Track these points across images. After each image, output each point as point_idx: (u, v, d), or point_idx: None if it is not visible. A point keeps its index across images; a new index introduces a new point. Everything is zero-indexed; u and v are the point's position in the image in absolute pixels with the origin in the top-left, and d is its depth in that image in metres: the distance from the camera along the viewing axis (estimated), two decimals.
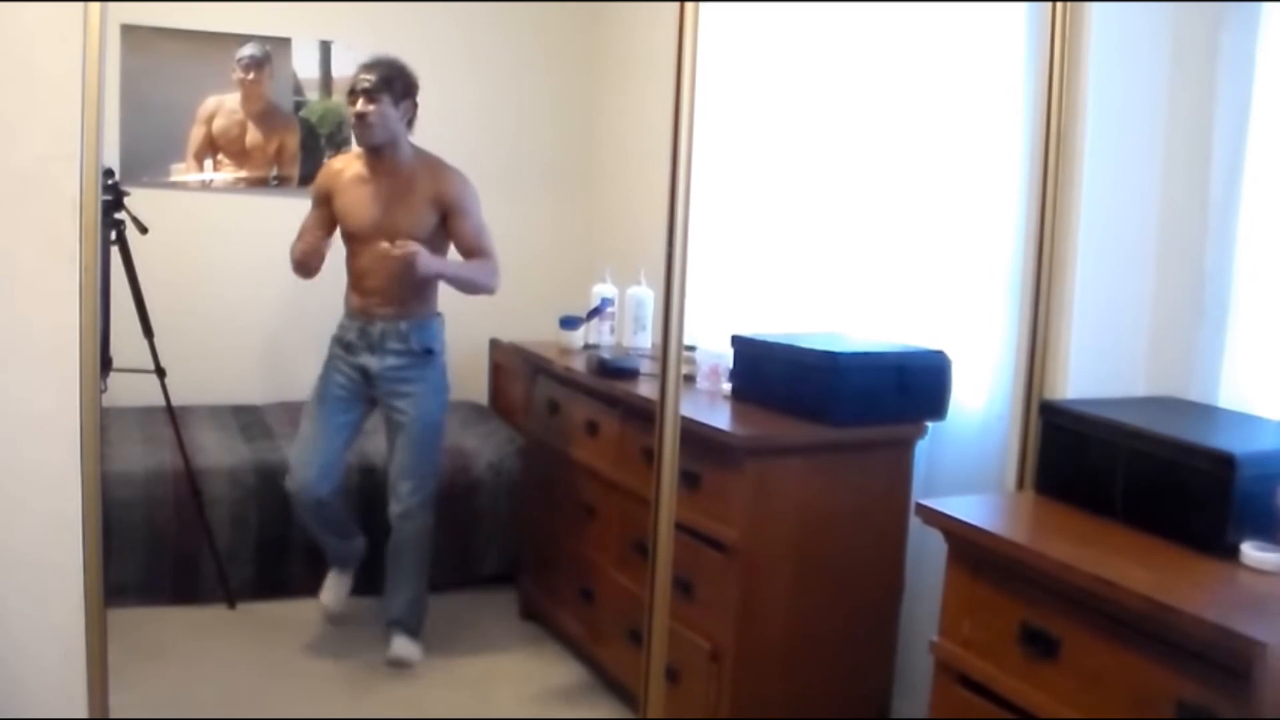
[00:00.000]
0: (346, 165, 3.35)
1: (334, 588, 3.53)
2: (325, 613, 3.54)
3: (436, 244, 3.27)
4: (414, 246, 3.11)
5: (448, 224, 3.28)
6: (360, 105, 3.17)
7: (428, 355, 3.32)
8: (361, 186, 3.28)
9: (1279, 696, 1.43)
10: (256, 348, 4.51)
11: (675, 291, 2.19)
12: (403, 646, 3.34)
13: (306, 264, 3.26)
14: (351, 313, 3.35)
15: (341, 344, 3.36)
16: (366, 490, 3.75)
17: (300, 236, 3.32)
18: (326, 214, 3.34)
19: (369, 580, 3.79)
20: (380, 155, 3.24)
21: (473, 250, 3.29)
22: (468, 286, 3.29)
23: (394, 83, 3.19)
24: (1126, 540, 1.86)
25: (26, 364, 2.09)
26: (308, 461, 3.30)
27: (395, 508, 3.33)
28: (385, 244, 3.13)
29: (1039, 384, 2.43)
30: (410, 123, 3.27)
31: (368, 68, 3.22)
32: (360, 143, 3.27)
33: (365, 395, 3.36)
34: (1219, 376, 2.25)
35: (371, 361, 3.30)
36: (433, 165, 3.29)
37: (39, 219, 2.05)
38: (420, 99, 3.28)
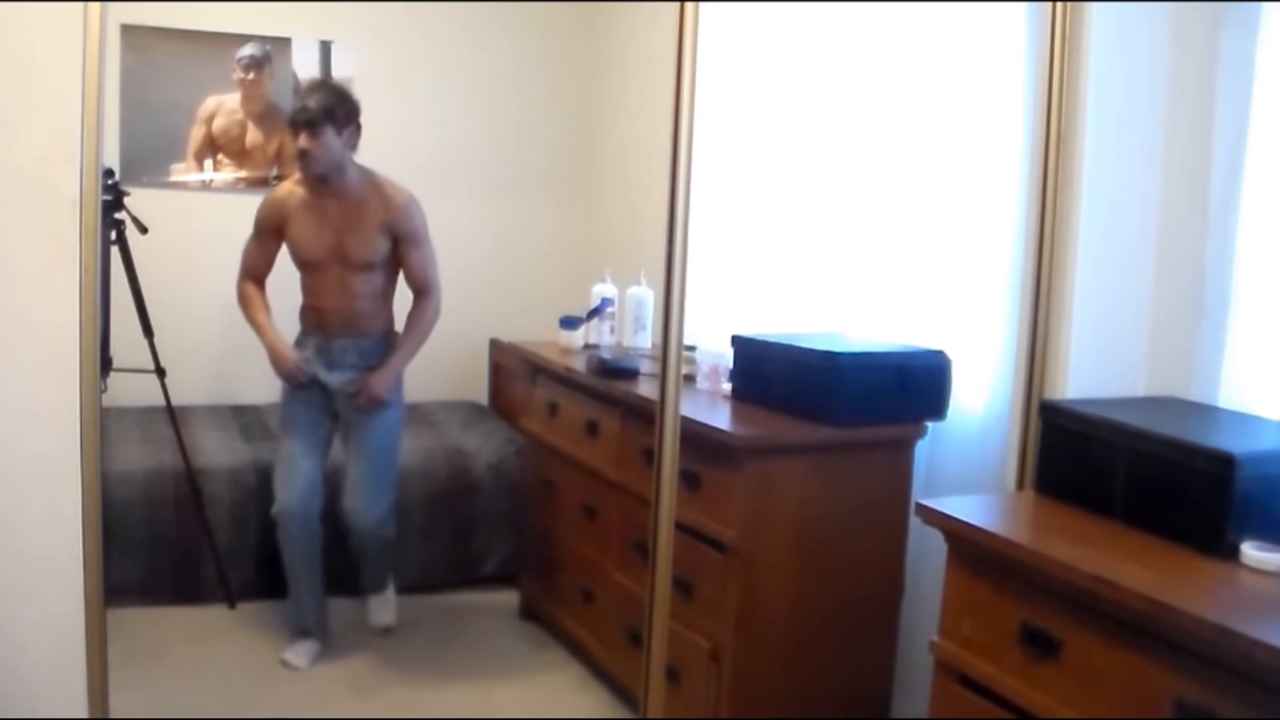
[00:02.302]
0: (291, 193, 3.31)
1: (305, 652, 3.37)
2: (290, 667, 3.32)
3: (388, 268, 3.31)
4: (372, 391, 3.25)
5: (399, 251, 3.29)
6: (303, 140, 3.12)
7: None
8: (312, 214, 3.25)
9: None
10: (256, 348, 4.48)
11: (675, 291, 2.19)
12: (379, 610, 3.54)
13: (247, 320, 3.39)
14: (308, 329, 3.37)
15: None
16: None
17: (246, 274, 3.37)
18: (274, 246, 3.34)
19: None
20: (326, 181, 3.22)
21: (420, 282, 3.33)
22: (420, 346, 3.38)
23: (335, 111, 3.14)
24: (1126, 540, 1.86)
25: (27, 363, 2.09)
26: (294, 482, 3.31)
27: (351, 522, 3.33)
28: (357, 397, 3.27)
29: (1039, 384, 2.43)
30: (354, 145, 3.23)
31: (307, 95, 3.18)
32: (306, 175, 3.23)
33: (330, 410, 3.37)
34: (1219, 376, 2.25)
35: (330, 377, 3.32)
36: (381, 189, 3.26)
37: (39, 219, 2.05)
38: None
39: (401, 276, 3.38)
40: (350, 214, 3.24)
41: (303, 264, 3.31)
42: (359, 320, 3.30)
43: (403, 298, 3.42)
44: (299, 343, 3.37)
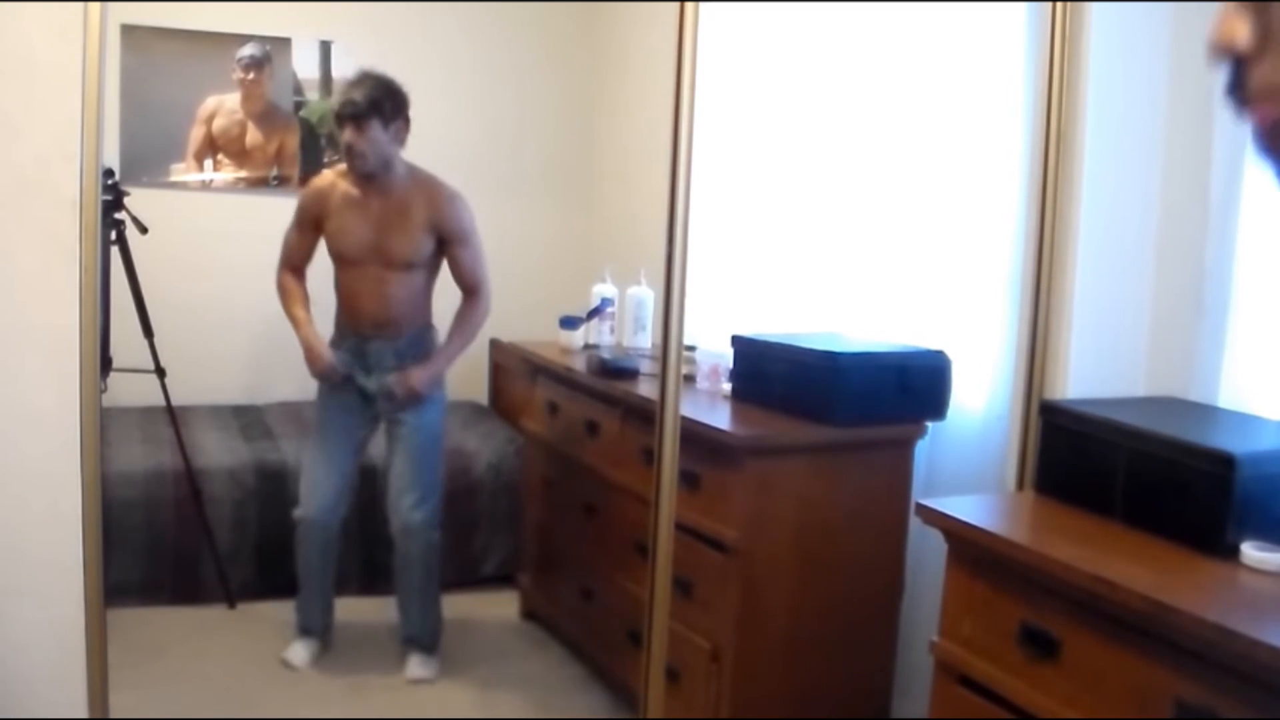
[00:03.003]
0: (334, 185, 3.19)
1: (305, 651, 3.37)
2: (290, 667, 3.33)
3: (431, 268, 3.22)
4: (413, 384, 3.15)
5: (446, 251, 3.19)
6: (349, 135, 3.01)
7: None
8: (353, 209, 3.14)
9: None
10: (256, 348, 4.51)
11: (675, 291, 2.19)
12: (419, 666, 3.31)
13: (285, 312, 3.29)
14: (344, 332, 3.26)
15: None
16: (369, 492, 3.74)
17: (287, 262, 3.27)
18: (314, 239, 3.23)
19: (372, 582, 3.80)
20: (372, 177, 3.11)
21: (470, 282, 3.22)
22: (465, 347, 3.29)
23: (383, 104, 3.02)
24: (1126, 540, 1.86)
25: (27, 363, 2.09)
26: (320, 489, 3.25)
27: (396, 522, 3.25)
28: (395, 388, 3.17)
29: (1039, 384, 2.43)
30: (402, 141, 3.12)
31: (353, 88, 3.05)
32: (353, 172, 3.12)
33: (366, 415, 3.29)
34: (1219, 376, 2.25)
35: (368, 382, 3.23)
36: (428, 186, 3.16)
37: (39, 219, 2.05)
38: (415, 108, 3.10)
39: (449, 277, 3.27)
40: (394, 211, 3.12)
41: (339, 260, 3.19)
42: (396, 323, 3.19)
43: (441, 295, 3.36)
44: (334, 345, 3.26)
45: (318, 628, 3.41)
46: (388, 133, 3.05)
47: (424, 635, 3.35)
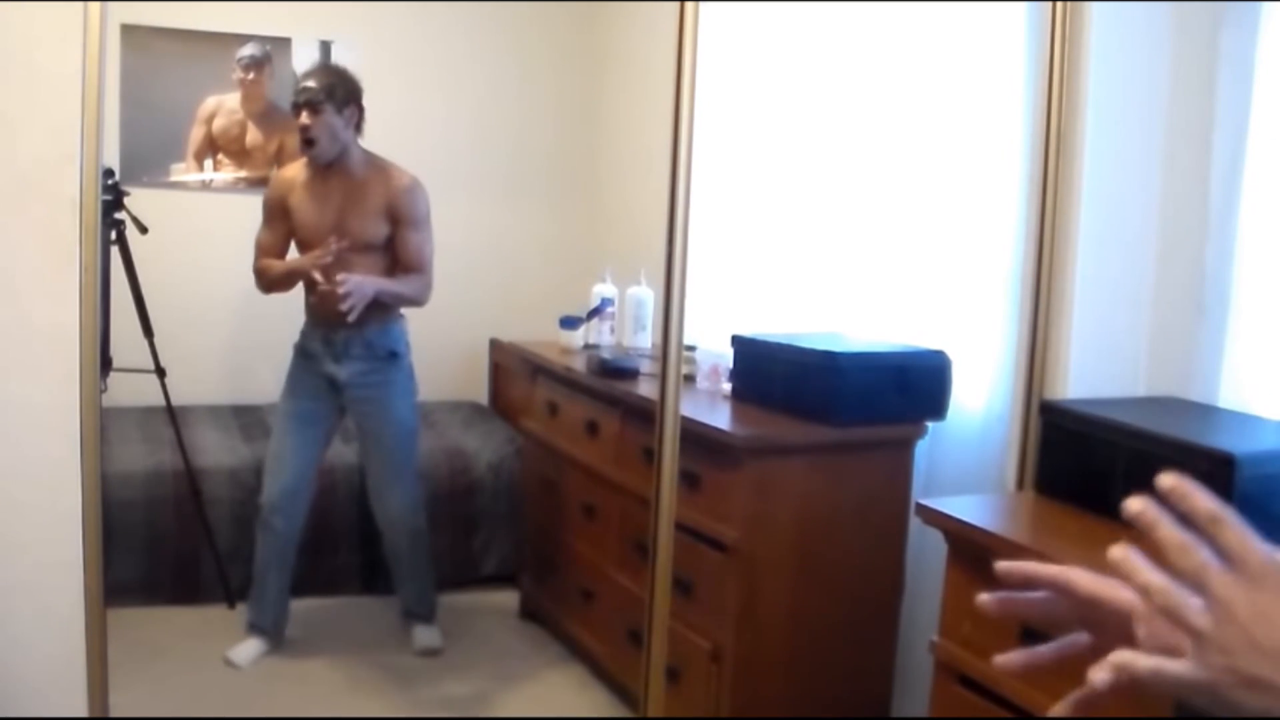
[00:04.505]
0: (297, 173, 3.30)
1: (250, 650, 3.35)
2: (232, 666, 3.30)
3: (390, 255, 3.24)
4: (348, 284, 3.05)
5: (395, 233, 3.22)
6: (304, 118, 3.13)
7: (392, 359, 3.29)
8: (314, 194, 3.23)
9: None
10: (256, 348, 4.51)
11: (675, 291, 2.19)
12: (425, 636, 3.46)
13: (273, 289, 3.29)
14: (314, 319, 3.31)
15: (304, 353, 3.32)
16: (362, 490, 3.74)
17: (260, 258, 3.28)
18: (283, 228, 3.28)
19: (370, 580, 3.80)
20: (330, 164, 3.20)
21: (412, 264, 3.23)
22: (400, 302, 3.27)
23: (335, 90, 3.13)
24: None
25: (27, 363, 2.09)
26: (281, 476, 3.30)
27: (383, 517, 3.37)
28: (323, 281, 3.09)
29: (1039, 384, 2.43)
30: (358, 127, 3.21)
31: (306, 77, 3.19)
32: (311, 157, 3.20)
33: (333, 405, 3.33)
34: (1219, 376, 2.25)
35: (336, 370, 3.27)
36: (385, 171, 3.23)
37: (39, 219, 2.05)
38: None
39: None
40: (353, 195, 3.20)
41: (303, 244, 3.26)
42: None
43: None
44: (305, 335, 3.33)
45: (269, 625, 3.39)
46: (341, 117, 3.16)
47: (419, 606, 3.49)
